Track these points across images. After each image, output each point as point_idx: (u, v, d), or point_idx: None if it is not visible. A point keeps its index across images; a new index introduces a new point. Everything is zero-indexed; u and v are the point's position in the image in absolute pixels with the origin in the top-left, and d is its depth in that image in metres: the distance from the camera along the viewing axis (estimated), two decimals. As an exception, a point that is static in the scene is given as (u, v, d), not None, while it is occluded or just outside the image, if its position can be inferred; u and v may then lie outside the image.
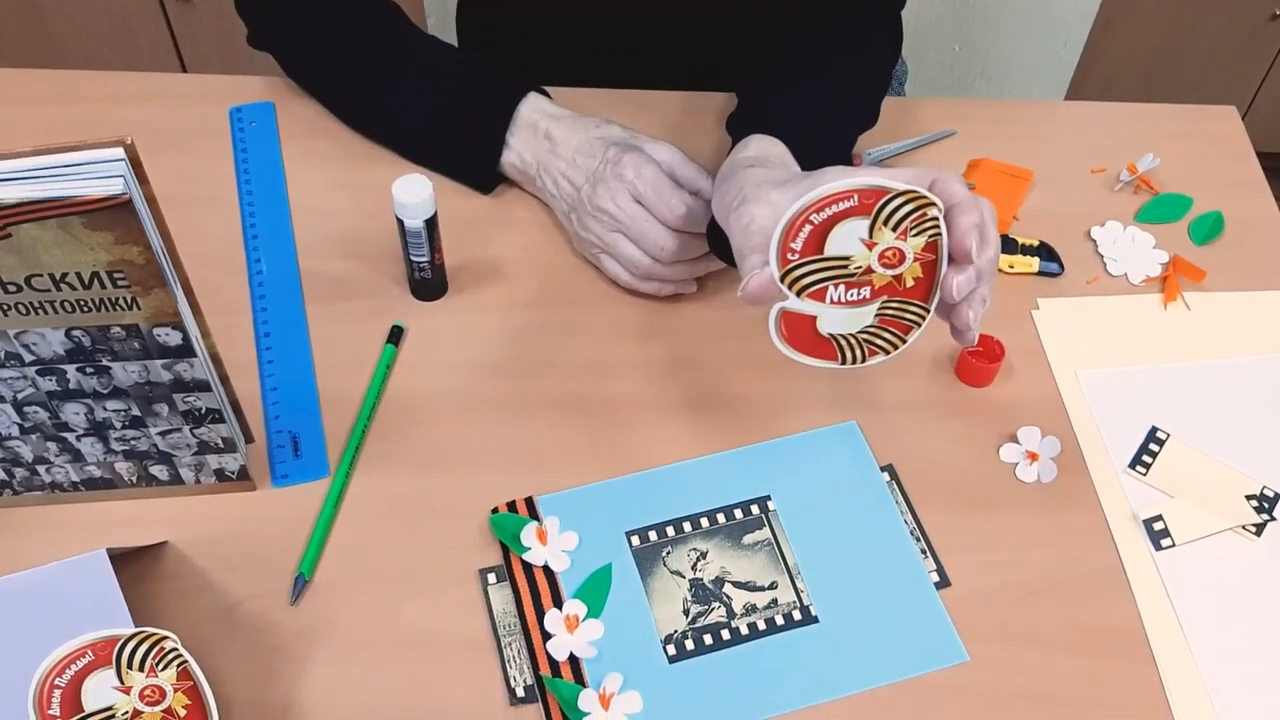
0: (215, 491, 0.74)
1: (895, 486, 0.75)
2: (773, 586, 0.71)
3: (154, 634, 0.60)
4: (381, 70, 0.89)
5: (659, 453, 0.76)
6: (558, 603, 0.70)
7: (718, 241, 0.77)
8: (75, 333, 0.62)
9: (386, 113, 0.90)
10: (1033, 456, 0.76)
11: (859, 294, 0.64)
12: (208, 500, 0.74)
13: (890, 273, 0.63)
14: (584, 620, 0.69)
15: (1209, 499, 0.75)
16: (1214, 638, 0.69)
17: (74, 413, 0.67)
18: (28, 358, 0.63)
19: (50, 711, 0.58)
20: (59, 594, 0.59)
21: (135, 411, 0.68)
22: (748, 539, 0.73)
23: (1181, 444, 0.77)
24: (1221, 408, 0.79)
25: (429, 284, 0.82)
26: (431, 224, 0.78)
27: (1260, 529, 0.74)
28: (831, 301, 0.64)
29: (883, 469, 0.76)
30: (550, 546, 0.71)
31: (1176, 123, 0.98)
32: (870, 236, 0.62)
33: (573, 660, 0.68)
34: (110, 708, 0.59)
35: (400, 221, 0.78)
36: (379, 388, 0.78)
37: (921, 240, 0.62)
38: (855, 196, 0.61)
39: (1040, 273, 0.86)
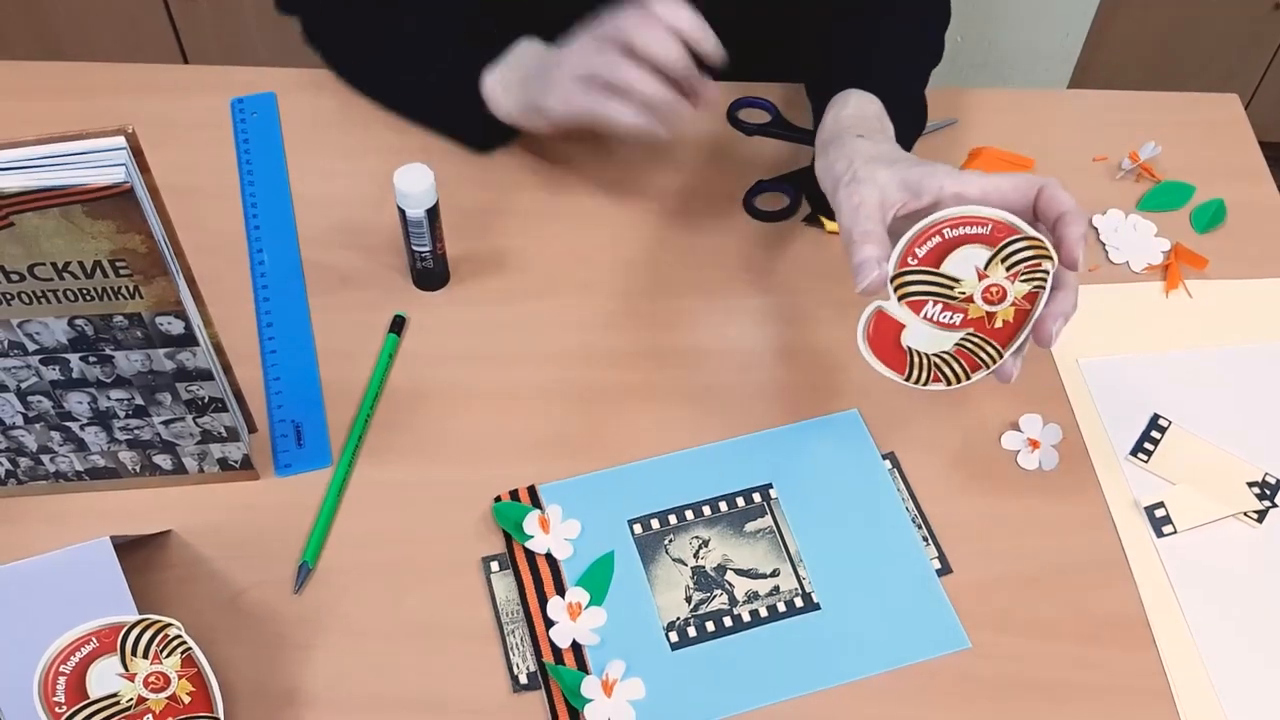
0: (218, 481, 0.74)
1: (897, 474, 0.75)
2: (774, 574, 0.71)
3: (158, 621, 0.60)
4: (398, 43, 0.90)
5: (660, 441, 0.76)
6: (560, 590, 0.70)
7: (814, 197, 0.79)
8: (78, 322, 0.62)
9: (397, 81, 0.91)
10: (1034, 444, 0.76)
11: (952, 318, 0.66)
12: (211, 490, 0.74)
13: (987, 308, 0.65)
14: (586, 608, 0.69)
15: (1211, 486, 0.75)
16: (1216, 624, 0.69)
17: (77, 402, 0.67)
18: (31, 347, 0.63)
19: (55, 699, 0.59)
20: (63, 581, 0.59)
21: (138, 401, 0.68)
22: (749, 527, 0.73)
23: (1183, 431, 0.77)
24: (1223, 395, 0.79)
25: (431, 274, 0.82)
26: (433, 214, 0.78)
27: (1262, 516, 0.74)
28: (925, 317, 0.66)
29: (884, 457, 0.76)
30: (553, 535, 0.71)
31: (1178, 111, 0.98)
32: (985, 268, 0.64)
33: (575, 647, 0.68)
34: (115, 694, 0.59)
35: (402, 211, 0.78)
36: (381, 377, 0.78)
37: (1025, 288, 0.65)
38: (990, 226, 0.63)
39: (1042, 261, 0.86)
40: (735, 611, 0.69)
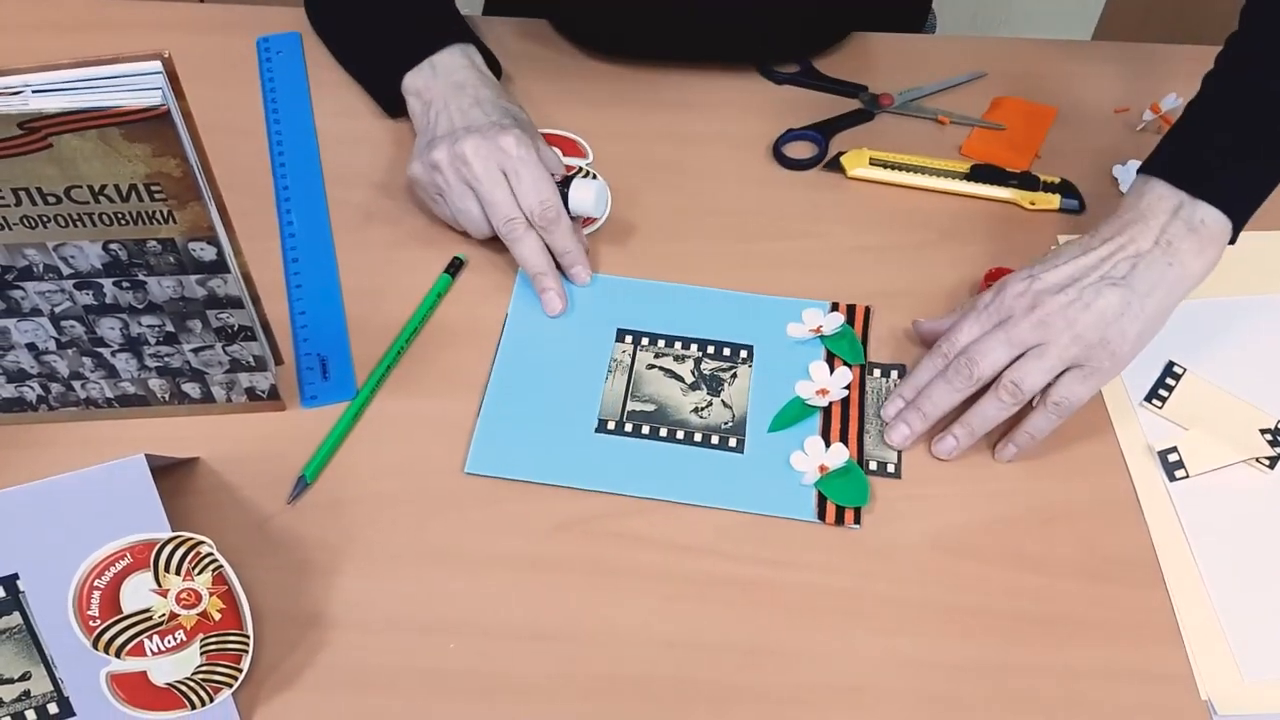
0: (246, 411, 0.75)
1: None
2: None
3: (190, 538, 0.61)
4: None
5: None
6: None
7: None
8: (112, 246, 0.63)
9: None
10: (1050, 389, 0.77)
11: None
12: (238, 419, 0.75)
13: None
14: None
15: (1223, 432, 0.75)
16: (1225, 566, 0.70)
17: (109, 328, 0.68)
18: (65, 271, 0.65)
19: (89, 612, 0.60)
20: (98, 497, 0.60)
21: (169, 327, 0.69)
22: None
23: (1197, 378, 0.78)
24: (1237, 344, 0.80)
25: None
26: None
27: (1273, 462, 0.74)
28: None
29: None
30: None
31: (1199, 63, 0.97)
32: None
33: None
34: (148, 610, 0.61)
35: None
36: (425, 314, 0.79)
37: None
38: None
39: (1061, 209, 0.87)
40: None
